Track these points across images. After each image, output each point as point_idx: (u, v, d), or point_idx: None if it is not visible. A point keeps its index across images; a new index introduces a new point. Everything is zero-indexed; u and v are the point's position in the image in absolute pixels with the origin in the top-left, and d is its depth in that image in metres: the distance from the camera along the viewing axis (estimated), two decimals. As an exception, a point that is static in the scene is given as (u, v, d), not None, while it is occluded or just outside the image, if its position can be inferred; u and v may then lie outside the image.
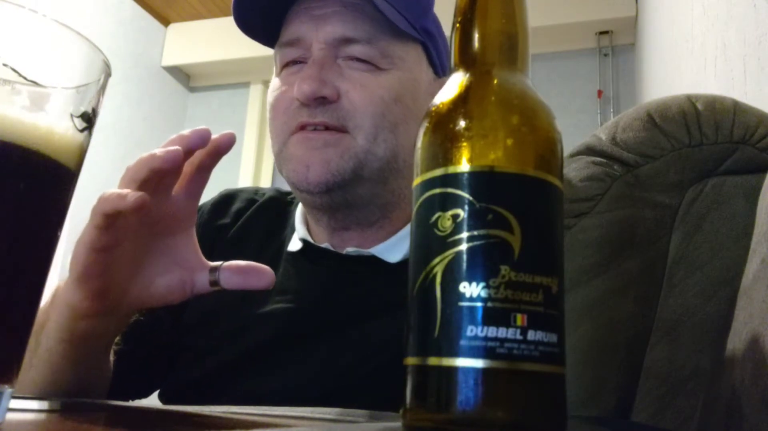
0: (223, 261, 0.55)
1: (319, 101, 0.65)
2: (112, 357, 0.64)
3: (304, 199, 0.70)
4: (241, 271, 0.54)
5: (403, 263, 0.69)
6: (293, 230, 0.76)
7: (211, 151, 0.56)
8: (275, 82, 0.72)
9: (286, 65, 0.71)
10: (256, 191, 0.86)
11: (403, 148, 0.69)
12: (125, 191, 0.48)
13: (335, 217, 0.70)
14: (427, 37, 0.72)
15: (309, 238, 0.73)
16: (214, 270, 0.55)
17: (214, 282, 0.55)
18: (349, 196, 0.68)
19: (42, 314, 0.58)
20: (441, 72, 0.75)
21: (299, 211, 0.77)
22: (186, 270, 0.55)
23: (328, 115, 0.66)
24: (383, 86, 0.67)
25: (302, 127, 0.67)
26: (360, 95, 0.66)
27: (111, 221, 0.48)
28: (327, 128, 0.66)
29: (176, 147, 0.51)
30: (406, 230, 0.72)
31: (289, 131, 0.68)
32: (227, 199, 0.84)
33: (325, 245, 0.72)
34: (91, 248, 0.49)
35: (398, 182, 0.70)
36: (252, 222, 0.80)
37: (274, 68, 0.74)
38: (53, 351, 0.56)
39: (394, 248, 0.70)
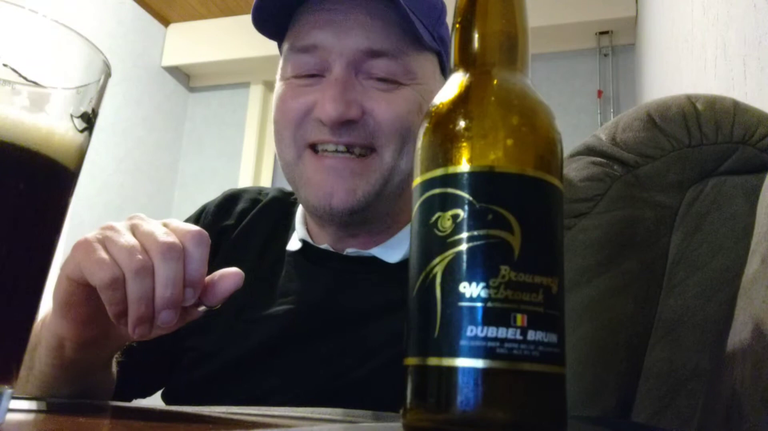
0: None
1: (343, 122, 0.63)
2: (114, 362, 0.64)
3: (320, 215, 0.68)
4: (216, 285, 0.50)
5: (403, 263, 0.69)
6: (294, 230, 0.76)
7: None
8: (283, 86, 0.69)
9: (298, 75, 0.67)
10: (260, 191, 0.85)
11: None
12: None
13: (345, 229, 0.70)
14: (442, 45, 0.70)
15: (308, 239, 0.73)
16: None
17: (199, 305, 0.51)
18: (370, 214, 0.67)
19: (34, 334, 0.57)
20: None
21: (299, 211, 0.76)
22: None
23: (353, 135, 0.64)
24: (408, 100, 0.65)
25: (320, 143, 0.65)
26: (385, 113, 0.64)
27: None
28: (349, 149, 0.64)
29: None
30: (406, 231, 0.72)
31: (304, 144, 0.66)
32: (231, 199, 0.83)
33: (324, 246, 0.71)
34: (72, 278, 0.47)
35: (409, 190, 0.70)
36: (255, 222, 0.80)
37: (280, 69, 0.71)
38: (46, 373, 0.55)
39: (394, 248, 0.70)
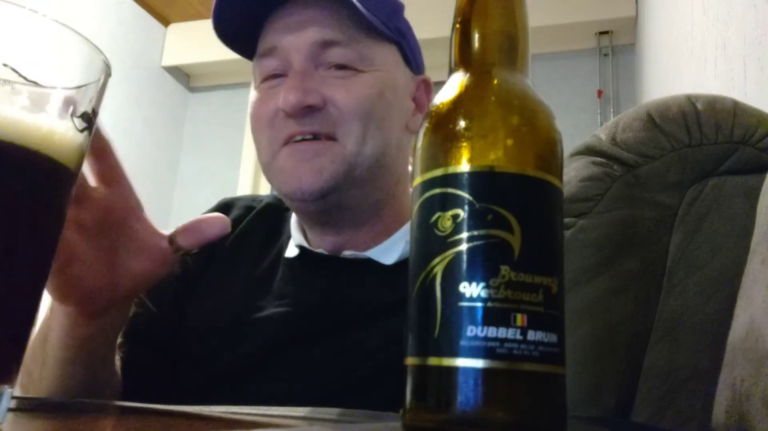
0: (176, 229, 0.56)
1: (306, 110, 0.66)
2: (117, 360, 0.65)
3: (297, 207, 0.71)
4: (193, 229, 0.55)
5: (399, 265, 0.70)
6: (290, 237, 0.77)
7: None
8: (255, 95, 0.72)
9: (265, 79, 0.71)
10: (254, 198, 0.87)
11: (389, 144, 0.69)
12: None
13: (328, 222, 0.71)
14: (400, 37, 0.73)
15: (305, 244, 0.74)
16: (171, 240, 0.56)
17: (177, 249, 0.56)
18: (343, 199, 0.68)
19: (44, 326, 0.59)
20: (416, 69, 0.76)
21: (294, 217, 0.78)
22: (150, 248, 0.56)
23: (317, 124, 0.66)
24: (366, 85, 0.67)
25: (290, 137, 0.67)
26: (345, 98, 0.66)
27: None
28: (315, 137, 0.67)
29: None
30: (401, 232, 0.73)
31: (278, 144, 0.68)
32: (225, 207, 0.85)
33: (320, 250, 0.72)
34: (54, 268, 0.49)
35: (387, 179, 0.71)
36: (250, 229, 0.81)
37: (253, 81, 0.74)
38: (61, 358, 0.57)
39: (390, 250, 0.71)
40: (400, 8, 0.76)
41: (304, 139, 0.67)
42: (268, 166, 0.70)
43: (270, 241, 0.79)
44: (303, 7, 0.69)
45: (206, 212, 0.84)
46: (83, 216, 0.51)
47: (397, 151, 0.71)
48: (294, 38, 0.68)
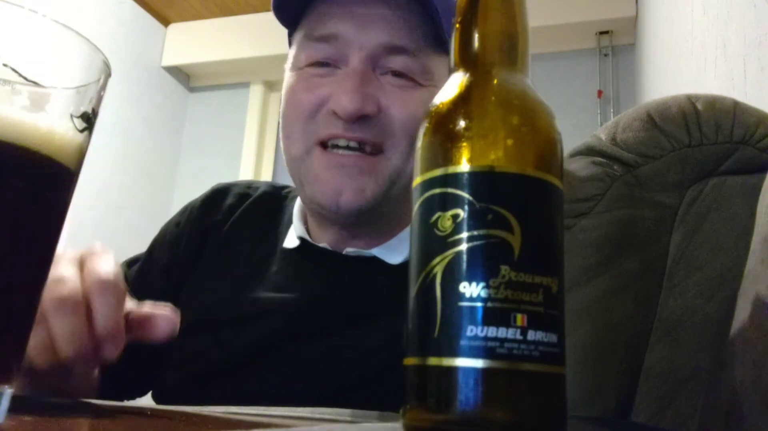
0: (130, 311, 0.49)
1: (360, 117, 0.62)
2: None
3: (325, 215, 0.67)
4: (140, 320, 0.48)
5: (404, 265, 0.68)
6: (288, 226, 0.75)
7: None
8: (295, 77, 0.67)
9: (312, 64, 0.65)
10: (249, 185, 0.83)
11: None
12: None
13: (348, 229, 0.69)
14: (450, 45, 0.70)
15: (307, 237, 0.72)
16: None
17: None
18: (375, 216, 0.66)
19: None
20: None
21: (297, 208, 0.75)
22: None
23: (366, 132, 0.62)
24: (423, 101, 0.63)
25: (331, 138, 0.63)
26: (401, 111, 0.63)
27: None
28: (360, 145, 0.63)
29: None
30: (407, 231, 0.71)
31: (315, 139, 0.64)
32: (218, 194, 0.81)
33: (323, 245, 0.71)
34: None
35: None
36: (245, 218, 0.78)
37: (292, 58, 0.69)
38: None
39: (396, 249, 0.69)
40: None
41: (348, 146, 0.63)
42: (297, 161, 0.66)
43: (266, 231, 0.77)
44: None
45: (198, 199, 0.82)
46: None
47: None
48: (359, 33, 0.62)
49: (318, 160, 0.64)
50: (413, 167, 0.64)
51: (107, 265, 0.46)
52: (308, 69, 0.66)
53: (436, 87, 0.65)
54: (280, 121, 0.70)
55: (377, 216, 0.67)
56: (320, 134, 0.64)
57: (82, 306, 0.44)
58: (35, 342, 0.43)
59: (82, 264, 0.47)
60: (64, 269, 0.45)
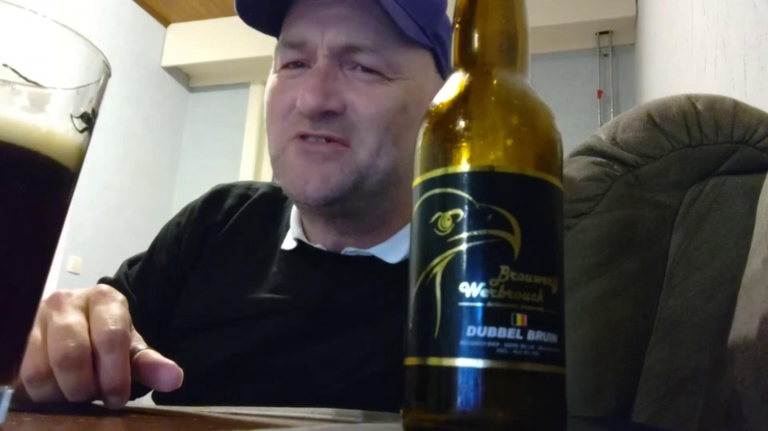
0: (141, 348, 0.48)
1: (323, 114, 0.63)
2: None
3: (301, 207, 0.69)
4: (147, 368, 0.46)
5: (403, 264, 0.68)
6: (287, 227, 0.75)
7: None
8: (273, 80, 0.69)
9: (285, 65, 0.68)
10: (249, 186, 0.84)
11: (403, 158, 0.67)
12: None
13: (332, 223, 0.70)
14: (437, 42, 0.69)
15: (304, 238, 0.72)
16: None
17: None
18: (348, 208, 0.67)
19: None
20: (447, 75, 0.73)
21: (294, 209, 0.75)
22: None
23: (332, 128, 0.64)
24: (390, 96, 0.64)
25: (302, 136, 0.65)
26: (366, 107, 0.64)
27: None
28: (328, 140, 0.64)
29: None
30: (406, 230, 0.71)
31: (287, 137, 0.66)
32: (218, 195, 0.82)
33: (319, 246, 0.71)
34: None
35: (397, 191, 0.68)
36: (245, 219, 0.79)
37: (273, 63, 0.71)
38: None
39: (394, 248, 0.69)
40: (441, 10, 0.71)
41: (316, 140, 0.64)
42: (276, 159, 0.68)
43: (265, 232, 0.77)
44: None
45: (199, 200, 0.82)
46: None
47: (412, 164, 0.69)
48: (320, 35, 0.64)
49: (289, 151, 0.66)
50: (390, 163, 0.65)
51: (115, 313, 0.45)
52: (283, 72, 0.68)
53: (408, 80, 0.66)
54: (265, 124, 0.72)
55: (351, 209, 0.67)
56: (291, 132, 0.66)
57: (89, 360, 0.43)
58: (43, 394, 0.43)
59: (88, 309, 0.46)
60: (71, 317, 0.44)
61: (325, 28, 0.64)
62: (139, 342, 0.49)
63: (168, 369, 0.46)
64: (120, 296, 0.48)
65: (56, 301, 0.46)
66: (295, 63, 0.67)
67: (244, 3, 0.68)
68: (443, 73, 0.71)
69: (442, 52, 0.71)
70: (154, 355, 0.47)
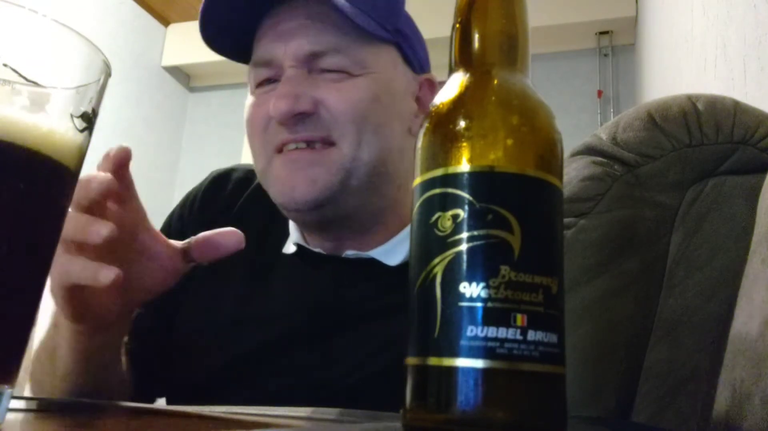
0: (189, 241, 0.57)
1: (298, 117, 0.64)
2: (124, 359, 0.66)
3: (294, 217, 0.70)
4: (209, 243, 0.56)
5: (403, 266, 0.68)
6: (287, 223, 0.75)
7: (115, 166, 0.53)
8: (250, 100, 0.71)
9: (259, 84, 0.70)
10: (250, 169, 0.83)
11: (389, 151, 0.67)
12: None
13: (326, 230, 0.70)
14: (400, 37, 0.71)
15: (303, 243, 0.72)
16: (185, 252, 0.57)
17: (190, 261, 0.57)
18: (340, 209, 0.67)
19: (49, 341, 0.60)
20: (419, 69, 0.74)
21: None
22: (162, 260, 0.57)
23: (309, 129, 0.65)
24: (359, 88, 0.66)
25: (283, 145, 0.66)
26: (337, 101, 0.65)
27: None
28: (309, 143, 0.65)
29: (106, 174, 0.51)
30: (406, 233, 0.71)
31: (272, 150, 0.67)
32: (219, 181, 0.82)
33: (318, 250, 0.71)
34: (64, 285, 0.50)
35: (388, 187, 0.69)
36: (247, 211, 0.79)
37: (249, 86, 0.73)
38: (71, 371, 0.59)
39: (394, 251, 0.69)
40: (398, 6, 0.73)
41: (297, 148, 0.65)
42: (263, 173, 0.69)
43: (268, 228, 0.77)
44: (291, 13, 0.67)
45: (200, 191, 0.82)
46: None
47: (399, 157, 0.68)
48: (284, 49, 0.66)
49: (275, 164, 0.67)
50: (372, 155, 0.66)
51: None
52: (257, 90, 0.70)
53: (375, 73, 0.67)
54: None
55: (344, 210, 0.67)
56: (274, 143, 0.67)
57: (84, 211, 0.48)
58: (78, 269, 0.48)
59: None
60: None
61: (287, 41, 0.66)
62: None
63: (224, 233, 0.55)
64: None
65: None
66: (267, 80, 0.69)
67: (210, 34, 0.70)
68: (412, 65, 0.73)
69: (407, 46, 0.72)
70: (205, 233, 0.55)
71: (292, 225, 0.75)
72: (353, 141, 0.65)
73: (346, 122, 0.65)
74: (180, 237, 0.80)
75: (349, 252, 0.70)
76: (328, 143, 0.65)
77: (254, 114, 0.69)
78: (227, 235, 0.55)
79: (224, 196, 0.80)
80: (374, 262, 0.69)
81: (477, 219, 0.29)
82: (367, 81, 0.66)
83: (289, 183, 0.65)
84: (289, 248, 0.73)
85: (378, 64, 0.68)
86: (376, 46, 0.68)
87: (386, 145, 0.67)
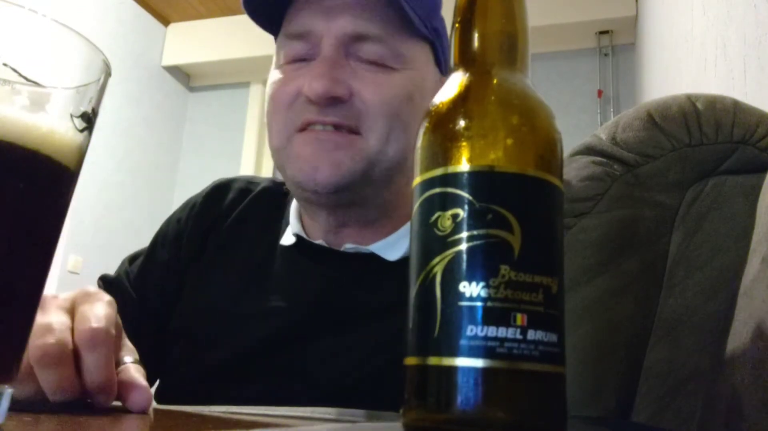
0: (126, 362, 0.48)
1: (330, 101, 0.63)
2: None
3: (307, 197, 0.68)
4: (121, 385, 0.45)
5: (403, 261, 0.68)
6: (287, 223, 0.75)
7: None
8: (276, 74, 0.69)
9: (291, 61, 0.68)
10: (250, 181, 0.84)
11: (412, 147, 0.67)
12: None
13: (335, 214, 0.69)
14: (435, 36, 0.70)
15: (303, 234, 0.72)
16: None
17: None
18: (356, 197, 0.67)
19: None
20: (445, 71, 0.73)
21: (294, 205, 0.75)
22: None
23: (340, 115, 0.64)
24: (396, 85, 0.65)
25: (308, 124, 0.65)
26: (373, 95, 0.64)
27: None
28: (336, 128, 0.64)
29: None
30: (406, 228, 0.70)
31: (294, 128, 0.66)
32: (220, 190, 0.82)
33: (319, 242, 0.71)
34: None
35: (399, 181, 0.69)
36: (246, 215, 0.79)
37: (275, 58, 0.71)
38: None
39: (394, 246, 0.69)
40: (439, 4, 0.73)
41: (324, 129, 0.64)
42: (280, 151, 0.68)
43: (267, 228, 0.77)
44: None
45: (200, 196, 0.82)
46: None
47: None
48: (327, 25, 0.64)
49: (297, 142, 0.66)
50: (398, 152, 0.65)
51: (99, 312, 0.45)
52: (287, 66, 0.68)
53: (411, 70, 0.67)
54: (266, 117, 0.72)
55: (359, 198, 0.67)
56: (297, 121, 0.66)
57: (69, 358, 0.42)
58: (25, 393, 0.43)
59: (73, 309, 0.46)
60: (52, 316, 0.44)
61: (330, 17, 0.65)
62: (128, 354, 0.49)
63: (140, 391, 0.45)
64: (107, 297, 0.48)
65: (41, 304, 0.45)
66: (300, 59, 0.67)
67: None
68: (441, 67, 0.72)
69: (439, 46, 0.72)
70: (134, 373, 0.46)
71: (292, 214, 0.74)
72: (381, 135, 0.64)
73: (378, 117, 0.64)
74: (177, 239, 0.80)
75: (349, 246, 0.69)
76: (355, 132, 0.65)
77: (280, 90, 0.67)
78: (139, 395, 0.45)
79: (224, 203, 0.80)
80: (373, 257, 0.69)
81: (477, 218, 0.29)
82: (404, 78, 0.66)
83: (312, 162, 0.64)
84: (288, 239, 0.73)
85: (415, 61, 0.68)
86: (415, 42, 0.68)
87: (411, 143, 0.66)
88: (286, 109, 0.66)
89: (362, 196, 0.67)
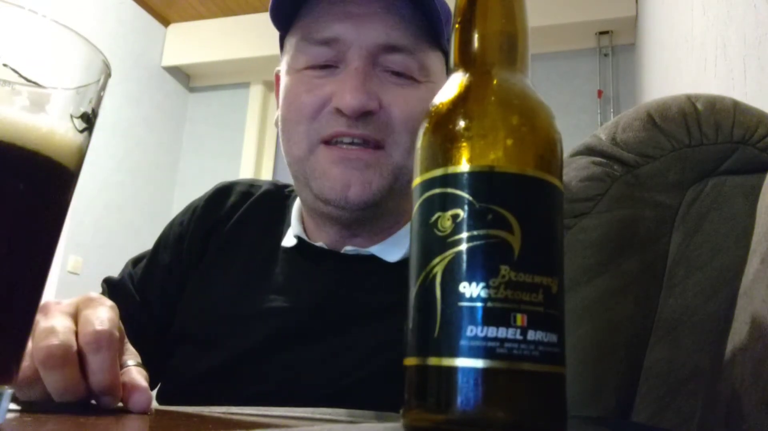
0: (129, 365, 0.48)
1: (361, 114, 0.63)
2: None
3: (330, 211, 0.67)
4: (123, 387, 0.45)
5: (402, 262, 0.68)
6: (289, 225, 0.75)
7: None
8: (294, 79, 0.67)
9: (311, 67, 0.66)
10: (252, 184, 0.84)
11: None
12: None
13: (349, 228, 0.69)
14: (448, 45, 0.70)
15: (304, 236, 0.72)
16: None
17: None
18: (380, 210, 0.67)
19: None
20: None
21: (296, 207, 0.75)
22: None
23: (369, 129, 0.63)
24: (422, 99, 0.65)
25: (335, 136, 0.64)
26: (401, 111, 0.64)
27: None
28: (363, 141, 0.64)
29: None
30: (406, 229, 0.71)
31: (318, 138, 0.65)
32: (222, 193, 0.82)
33: (320, 244, 0.71)
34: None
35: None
36: (247, 217, 0.79)
37: (290, 59, 0.69)
38: None
39: (394, 247, 0.69)
40: (451, 15, 0.73)
41: (352, 143, 0.64)
42: (302, 161, 0.67)
43: (268, 230, 0.77)
44: None
45: (202, 199, 0.82)
46: None
47: None
48: (357, 33, 0.63)
49: (323, 156, 0.65)
50: (413, 167, 0.65)
51: (102, 315, 0.45)
52: (308, 71, 0.66)
53: (434, 83, 0.66)
54: (280, 124, 0.71)
55: (381, 212, 0.67)
56: (324, 133, 0.65)
57: (73, 359, 0.42)
58: (32, 396, 0.43)
59: (77, 314, 0.46)
60: (56, 320, 0.44)
61: (360, 26, 0.64)
62: (130, 357, 0.49)
63: (141, 392, 0.45)
64: (109, 302, 0.48)
65: (44, 308, 0.46)
66: (323, 66, 0.66)
67: None
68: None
69: (449, 57, 0.71)
70: (135, 375, 0.46)
71: (294, 216, 0.74)
72: (404, 150, 0.65)
73: (402, 131, 0.64)
74: (179, 242, 0.81)
75: (349, 248, 0.70)
76: (380, 146, 0.65)
77: (304, 98, 0.66)
78: (140, 396, 0.45)
79: (226, 206, 0.81)
80: (374, 258, 0.69)
81: (477, 219, 0.29)
82: (427, 92, 0.66)
83: (343, 181, 0.64)
84: (289, 241, 0.73)
85: (435, 73, 0.67)
86: (435, 53, 0.68)
87: None
88: (310, 120, 0.65)
89: (385, 209, 0.67)
